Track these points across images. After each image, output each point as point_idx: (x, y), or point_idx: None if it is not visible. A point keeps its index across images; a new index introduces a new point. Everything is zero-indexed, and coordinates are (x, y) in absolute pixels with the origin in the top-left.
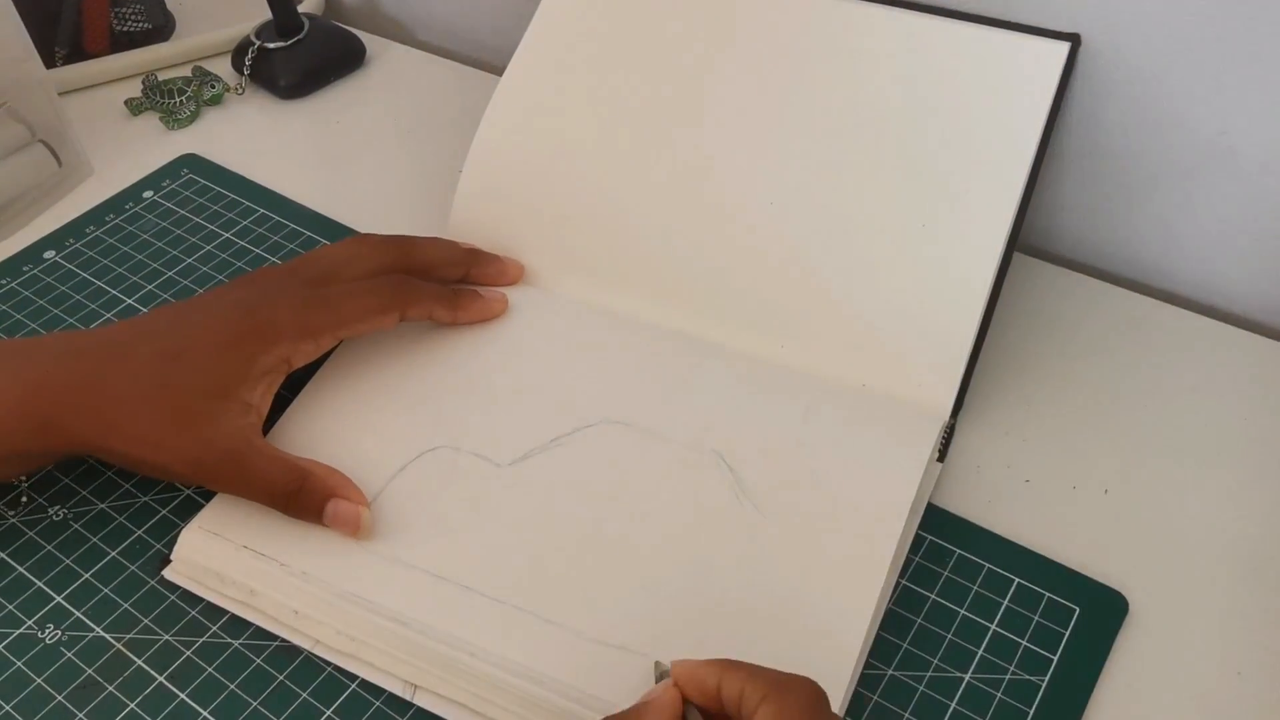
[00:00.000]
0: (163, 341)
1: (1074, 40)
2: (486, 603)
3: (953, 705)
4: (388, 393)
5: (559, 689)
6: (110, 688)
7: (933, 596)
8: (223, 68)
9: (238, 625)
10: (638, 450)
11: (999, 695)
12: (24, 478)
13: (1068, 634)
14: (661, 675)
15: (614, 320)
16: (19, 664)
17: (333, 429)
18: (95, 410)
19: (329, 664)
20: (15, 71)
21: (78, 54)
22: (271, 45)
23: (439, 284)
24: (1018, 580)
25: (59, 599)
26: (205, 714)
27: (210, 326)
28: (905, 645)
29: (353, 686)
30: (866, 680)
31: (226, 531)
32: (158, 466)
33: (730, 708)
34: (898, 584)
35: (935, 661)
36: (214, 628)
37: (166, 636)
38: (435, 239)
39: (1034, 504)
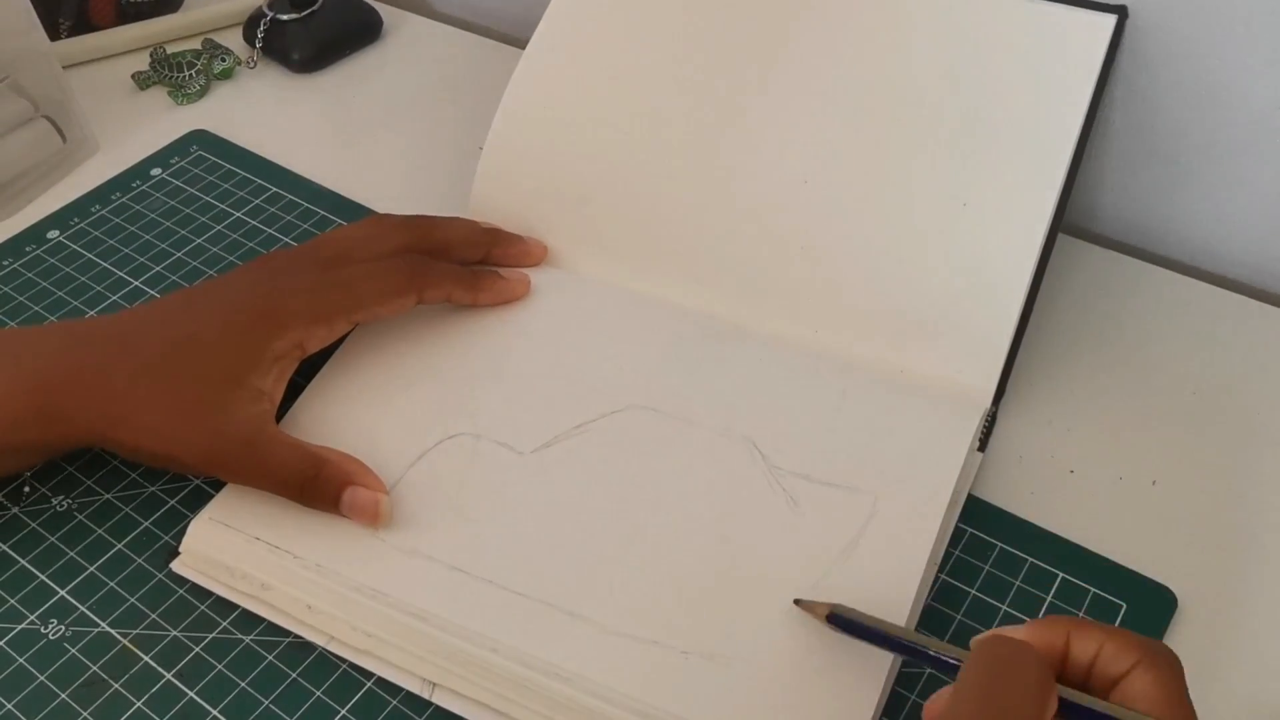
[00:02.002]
0: (171, 329)
1: (1121, 12)
2: (509, 596)
3: None
4: (405, 378)
5: (586, 686)
6: (116, 685)
7: (973, 592)
8: (234, 40)
9: (249, 620)
10: (666, 436)
11: None
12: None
13: None
14: (830, 614)
15: (641, 302)
16: (21, 660)
17: (348, 416)
18: (102, 401)
19: (344, 661)
20: (18, 44)
21: (83, 26)
22: (285, 17)
23: (458, 265)
24: (1061, 575)
25: (63, 593)
26: (215, 713)
27: (220, 312)
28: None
29: (368, 685)
30: (904, 679)
31: (237, 522)
32: (168, 458)
33: (1078, 666)
34: (937, 578)
35: None
36: (224, 623)
37: (174, 632)
38: (455, 218)
39: (1078, 495)
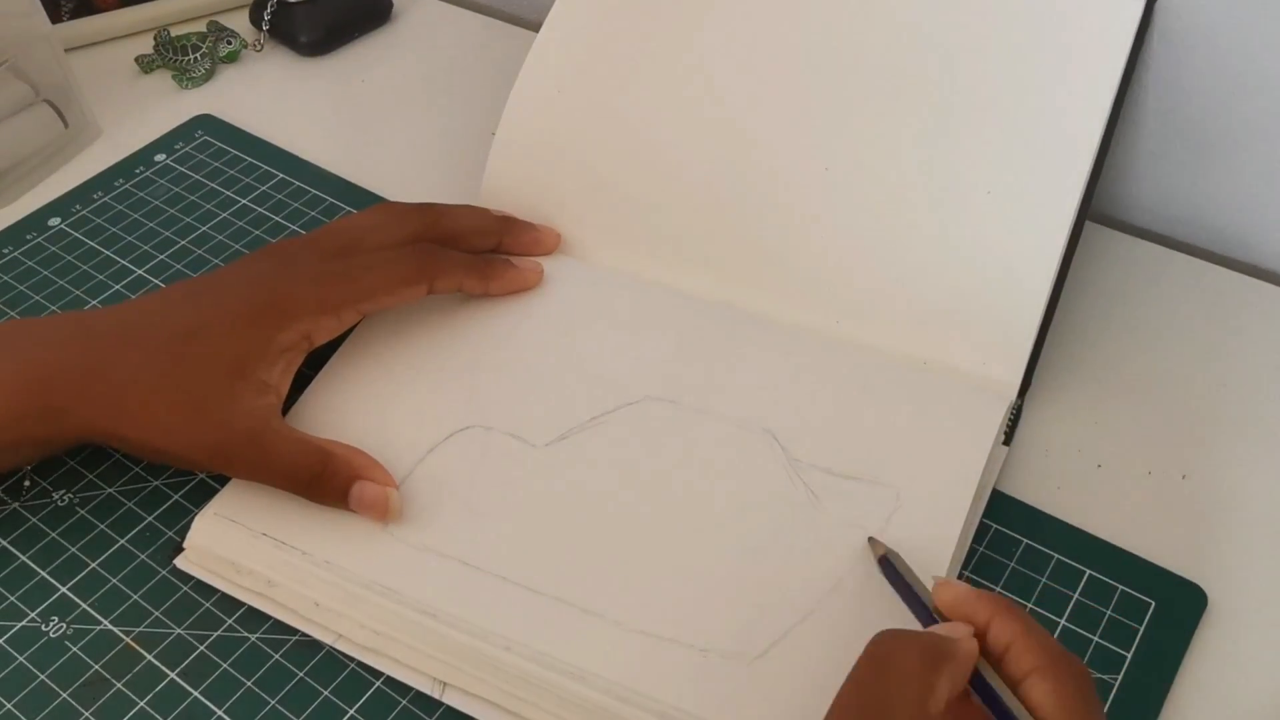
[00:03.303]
0: (176, 320)
1: None
2: (522, 593)
3: None
4: (415, 369)
5: (600, 685)
6: (118, 685)
7: (998, 589)
8: (240, 22)
9: (255, 618)
10: (683, 429)
11: None
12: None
13: (1142, 629)
14: (883, 557)
15: (657, 292)
16: (21, 659)
17: (356, 409)
18: (105, 395)
19: (352, 660)
20: (18, 27)
21: (85, 8)
22: None
23: (469, 254)
24: (1089, 572)
25: (64, 590)
26: (219, 713)
27: (226, 303)
28: None
29: (377, 684)
30: None
31: (243, 517)
32: (172, 453)
33: (991, 654)
34: (961, 575)
35: None
36: (229, 620)
37: (179, 630)
38: (466, 206)
39: (1106, 490)
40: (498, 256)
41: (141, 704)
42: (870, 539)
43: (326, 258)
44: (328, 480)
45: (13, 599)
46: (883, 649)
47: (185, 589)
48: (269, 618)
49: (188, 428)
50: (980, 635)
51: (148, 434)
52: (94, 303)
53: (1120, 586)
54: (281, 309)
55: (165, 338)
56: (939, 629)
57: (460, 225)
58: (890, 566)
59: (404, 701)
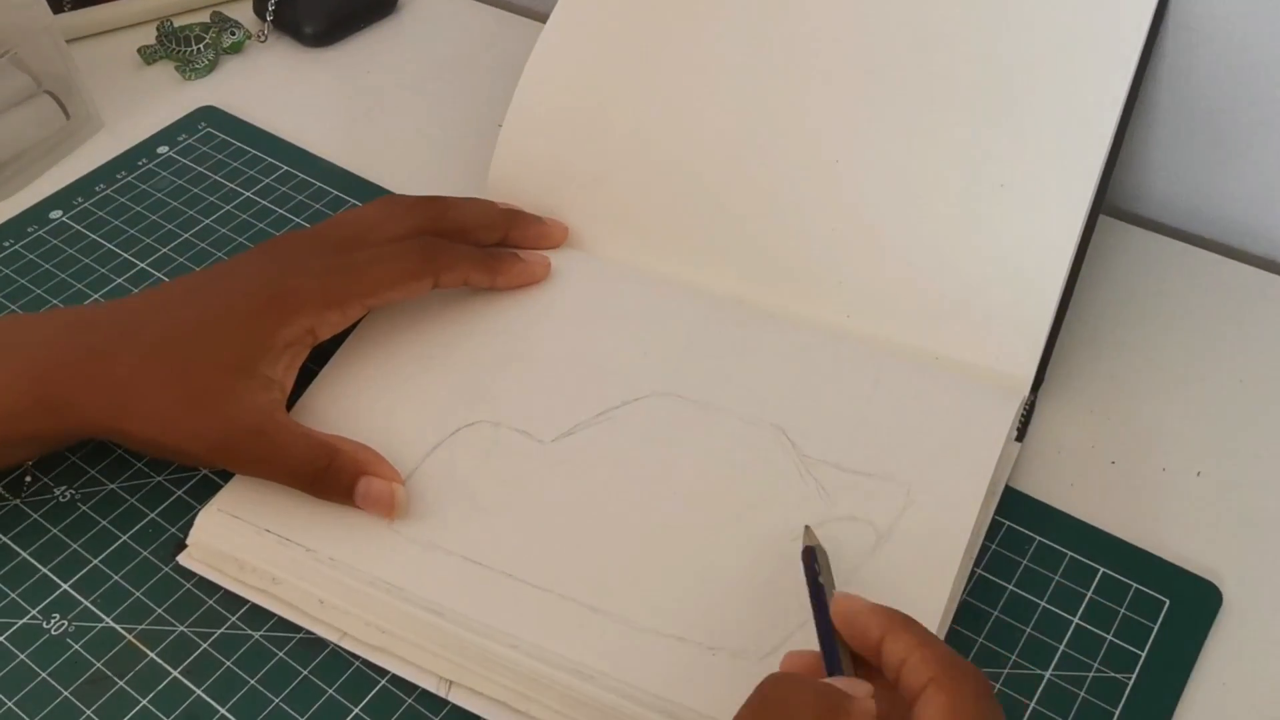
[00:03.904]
0: (178, 315)
1: None
2: (529, 590)
3: (1032, 705)
4: (421, 364)
5: (608, 684)
6: (121, 682)
7: (1010, 587)
8: (243, 13)
9: (259, 615)
10: (692, 424)
11: (1082, 694)
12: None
13: (1157, 628)
14: (808, 549)
15: (666, 285)
16: (23, 656)
17: (361, 404)
18: (107, 389)
19: (357, 658)
20: (20, 17)
21: None
22: None
23: (475, 247)
24: (1102, 570)
25: (66, 587)
26: (223, 711)
27: (229, 297)
28: (981, 640)
29: (383, 682)
30: None
31: (247, 514)
32: (174, 448)
33: (887, 669)
34: (973, 573)
35: (1013, 658)
36: (233, 618)
37: (181, 628)
38: (472, 199)
39: (1120, 487)
40: (504, 250)
41: (144, 702)
42: (807, 526)
43: (331, 251)
44: (333, 476)
45: (14, 596)
46: (776, 694)
47: (188, 586)
48: (273, 615)
49: (191, 423)
50: (874, 651)
51: (150, 429)
52: (96, 296)
53: (1134, 584)
54: (285, 303)
55: (168, 332)
56: (839, 683)
57: (466, 218)
58: (812, 560)
59: (410, 700)
